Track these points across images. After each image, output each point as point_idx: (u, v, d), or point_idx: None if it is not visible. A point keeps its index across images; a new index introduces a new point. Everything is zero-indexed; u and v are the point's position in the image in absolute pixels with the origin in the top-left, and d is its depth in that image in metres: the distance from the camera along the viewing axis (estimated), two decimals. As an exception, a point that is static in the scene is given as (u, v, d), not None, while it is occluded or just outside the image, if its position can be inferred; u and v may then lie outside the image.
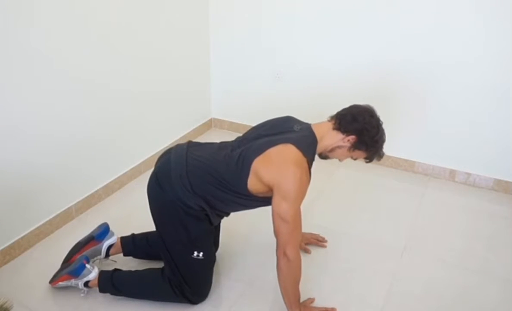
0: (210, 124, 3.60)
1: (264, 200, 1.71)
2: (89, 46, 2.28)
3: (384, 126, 1.76)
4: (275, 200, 1.64)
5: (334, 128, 1.75)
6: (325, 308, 1.83)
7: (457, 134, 2.78)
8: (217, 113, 3.58)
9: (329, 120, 1.79)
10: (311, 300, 1.88)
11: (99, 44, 2.34)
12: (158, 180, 1.74)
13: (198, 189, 1.68)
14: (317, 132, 1.74)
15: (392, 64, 2.79)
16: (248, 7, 3.13)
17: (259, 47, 3.20)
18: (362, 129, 1.71)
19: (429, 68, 2.72)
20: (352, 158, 1.81)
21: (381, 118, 1.76)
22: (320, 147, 1.75)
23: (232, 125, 3.50)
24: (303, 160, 1.64)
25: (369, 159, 1.80)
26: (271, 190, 1.64)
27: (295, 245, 1.66)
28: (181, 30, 3.01)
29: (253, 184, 1.66)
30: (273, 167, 1.62)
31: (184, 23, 3.03)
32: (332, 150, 1.77)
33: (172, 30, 2.92)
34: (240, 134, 1.89)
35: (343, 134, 1.73)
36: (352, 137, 1.72)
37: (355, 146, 1.74)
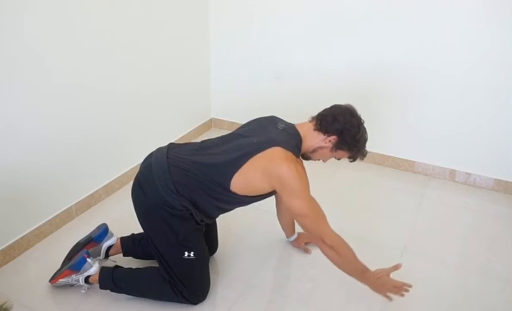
0: (210, 124, 3.60)
1: (246, 200, 1.74)
2: (89, 47, 2.28)
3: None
4: (285, 201, 1.66)
5: (315, 129, 1.76)
6: (402, 282, 1.66)
7: (457, 134, 2.77)
8: (217, 113, 3.59)
9: (310, 121, 1.80)
10: (395, 267, 1.68)
11: (98, 44, 2.34)
12: (141, 185, 1.75)
13: (183, 189, 1.68)
14: (300, 132, 1.76)
15: (393, 64, 2.79)
16: (248, 7, 3.13)
17: (259, 47, 3.20)
18: (342, 129, 1.71)
19: (430, 69, 2.71)
20: (335, 158, 1.82)
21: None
22: (303, 148, 1.77)
23: (232, 125, 3.49)
24: (291, 155, 1.66)
25: (352, 158, 1.80)
26: (257, 191, 1.68)
27: (328, 230, 1.65)
28: (181, 30, 3.01)
29: (236, 184, 1.67)
30: (265, 172, 1.63)
31: (184, 23, 3.03)
32: (314, 151, 1.78)
33: (172, 30, 2.92)
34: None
35: (324, 135, 1.74)
36: (333, 138, 1.73)
37: (337, 147, 1.75)
